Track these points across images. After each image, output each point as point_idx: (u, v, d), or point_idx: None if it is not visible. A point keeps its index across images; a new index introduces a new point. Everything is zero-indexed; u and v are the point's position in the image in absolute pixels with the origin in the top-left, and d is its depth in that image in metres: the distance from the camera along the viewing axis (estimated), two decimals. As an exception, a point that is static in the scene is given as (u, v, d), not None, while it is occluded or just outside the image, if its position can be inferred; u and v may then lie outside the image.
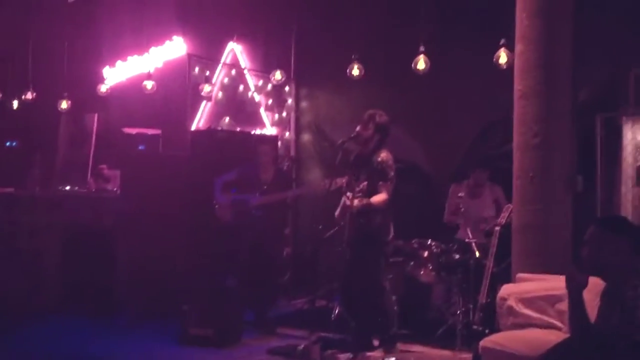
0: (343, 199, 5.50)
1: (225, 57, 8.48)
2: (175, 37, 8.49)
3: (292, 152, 8.72)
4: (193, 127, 7.96)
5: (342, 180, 5.69)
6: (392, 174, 5.39)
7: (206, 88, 7.84)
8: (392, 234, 5.53)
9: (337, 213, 5.60)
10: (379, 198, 5.31)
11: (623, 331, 3.19)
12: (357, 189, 5.27)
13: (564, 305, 4.10)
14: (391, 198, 5.37)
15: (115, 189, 7.68)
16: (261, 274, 6.43)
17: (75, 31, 8.81)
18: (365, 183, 5.31)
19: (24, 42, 8.95)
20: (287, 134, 8.73)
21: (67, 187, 8.19)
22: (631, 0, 6.10)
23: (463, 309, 5.87)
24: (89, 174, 8.52)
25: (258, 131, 8.40)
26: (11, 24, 9.21)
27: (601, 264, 3.35)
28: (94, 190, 7.97)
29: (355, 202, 5.23)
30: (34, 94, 8.78)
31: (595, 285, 3.54)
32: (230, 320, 6.01)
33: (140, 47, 8.38)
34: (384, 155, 5.40)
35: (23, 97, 8.84)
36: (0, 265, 7.25)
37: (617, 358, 3.10)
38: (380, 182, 5.33)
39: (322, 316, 6.54)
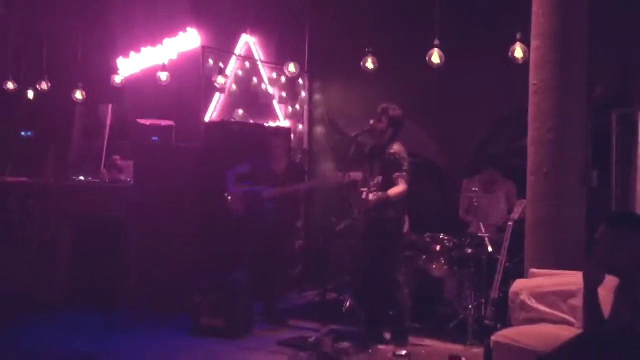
0: (360, 191, 5.50)
1: (239, 49, 8.48)
2: (189, 29, 8.49)
3: (305, 145, 8.72)
4: (206, 119, 7.97)
5: (355, 174, 5.69)
6: (406, 165, 5.39)
7: (219, 80, 7.84)
8: (407, 227, 5.53)
9: (356, 210, 5.61)
10: (397, 189, 5.30)
11: (636, 327, 3.18)
12: (372, 183, 5.26)
13: (576, 301, 4.09)
14: (407, 190, 5.36)
15: (128, 180, 7.71)
16: (272, 265, 6.44)
17: (90, 22, 8.84)
18: (380, 178, 5.30)
19: (38, 32, 9.00)
20: (300, 126, 8.73)
21: (81, 177, 8.22)
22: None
23: (475, 304, 5.87)
24: (103, 165, 8.56)
25: (271, 123, 8.40)
26: (26, 15, 9.26)
27: (614, 262, 3.34)
28: (107, 180, 8.01)
29: (371, 196, 5.22)
30: (49, 84, 8.82)
31: (609, 281, 3.53)
32: (241, 311, 6.03)
33: (154, 38, 8.39)
34: (396, 147, 5.41)
35: (38, 87, 8.89)
36: (12, 254, 7.32)
37: (630, 354, 3.09)
38: (396, 174, 5.32)
39: (333, 308, 6.57)
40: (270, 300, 6.52)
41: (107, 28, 9.15)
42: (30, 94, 9.22)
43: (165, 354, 5.37)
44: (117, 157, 8.14)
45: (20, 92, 9.21)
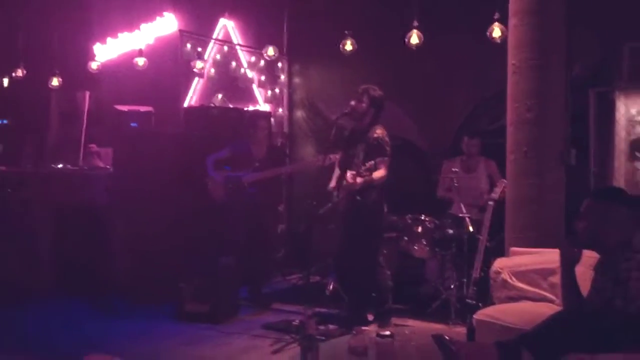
0: (337, 171, 5.50)
1: (217, 33, 8.42)
2: (166, 13, 8.39)
3: (285, 129, 8.70)
4: (185, 104, 7.92)
5: (335, 157, 5.69)
6: (388, 149, 5.40)
7: (198, 65, 7.79)
8: (385, 209, 5.55)
9: (332, 184, 5.59)
10: (379, 174, 5.31)
11: (616, 303, 3.23)
12: (364, 167, 5.24)
13: (556, 279, 4.13)
14: (388, 174, 5.38)
15: (107, 167, 7.64)
16: (256, 250, 6.44)
17: (66, 8, 8.70)
18: (372, 162, 5.28)
19: (13, 19, 8.85)
20: (280, 110, 8.71)
21: (60, 165, 8.13)
22: (625, -26, 6.08)
23: (457, 283, 5.93)
24: (81, 152, 8.47)
25: (251, 107, 8.36)
26: (1, 1, 9.09)
27: (598, 236, 3.37)
28: (86, 168, 7.93)
29: (358, 179, 5.21)
30: (25, 72, 8.70)
31: (587, 258, 3.57)
32: (226, 297, 6.03)
33: (131, 23, 8.29)
34: (379, 131, 5.40)
35: (13, 74, 8.76)
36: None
37: (610, 330, 3.13)
38: (379, 158, 5.32)
39: (316, 292, 6.59)
40: (255, 285, 6.53)
41: (84, 14, 9.01)
42: (5, 81, 9.09)
43: (150, 341, 5.35)
44: (93, 145, 8.05)
45: (-6, 80, 9.09)
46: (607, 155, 6.17)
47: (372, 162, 5.25)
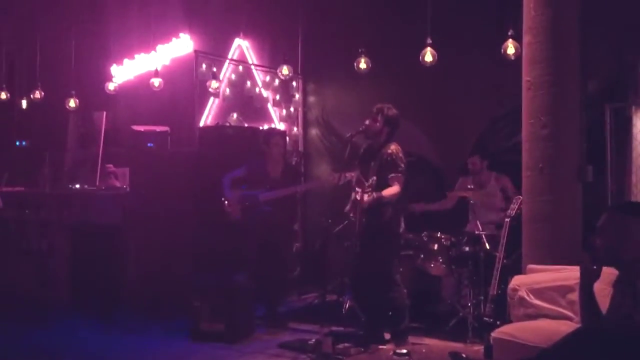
0: (353, 193, 5.50)
1: (232, 53, 8.49)
2: (182, 35, 8.51)
3: (300, 147, 8.72)
4: (201, 124, 7.97)
5: (351, 174, 5.69)
6: (402, 166, 5.39)
7: (213, 84, 7.85)
8: (402, 226, 5.52)
9: (347, 208, 5.59)
10: (391, 191, 5.29)
11: (636, 319, 3.18)
12: (367, 184, 5.25)
13: (575, 296, 4.09)
14: (403, 191, 5.36)
15: (124, 187, 7.70)
16: (271, 269, 6.43)
17: (83, 30, 8.83)
18: (375, 178, 5.29)
19: (31, 42, 8.99)
20: (295, 129, 8.74)
21: (77, 185, 8.21)
22: (639, -11, 6.07)
23: (474, 301, 5.88)
24: (98, 172, 8.54)
25: (266, 127, 8.40)
26: (18, 24, 9.25)
27: (617, 252, 3.33)
28: (103, 188, 8.00)
29: (365, 197, 5.21)
30: (42, 94, 8.82)
31: (606, 274, 3.53)
32: (241, 316, 6.02)
33: (148, 44, 8.40)
34: (393, 147, 5.40)
35: (32, 96, 8.89)
36: (10, 264, 7.30)
37: (630, 347, 3.09)
38: (392, 175, 5.31)
39: (332, 310, 6.55)
40: (270, 304, 6.52)
41: (101, 36, 9.15)
42: (24, 103, 9.22)
43: (165, 360, 5.36)
44: (110, 165, 8.12)
45: (13, 102, 9.21)
46: (624, 171, 6.13)
47: (374, 178, 5.25)
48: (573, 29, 5.03)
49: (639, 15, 6.05)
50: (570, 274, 4.27)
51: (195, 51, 8.07)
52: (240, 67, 8.45)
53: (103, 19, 9.20)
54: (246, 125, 8.20)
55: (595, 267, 3.43)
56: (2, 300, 6.75)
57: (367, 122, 5.49)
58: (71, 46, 8.60)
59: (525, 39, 5.14)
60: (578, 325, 3.74)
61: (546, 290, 4.49)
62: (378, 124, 5.46)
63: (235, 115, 8.23)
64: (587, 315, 3.48)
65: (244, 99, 8.42)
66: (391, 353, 5.33)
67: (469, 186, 6.33)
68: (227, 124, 7.98)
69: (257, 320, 6.28)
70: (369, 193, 5.23)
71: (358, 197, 5.24)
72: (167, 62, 8.36)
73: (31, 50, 8.92)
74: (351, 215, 5.51)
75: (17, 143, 9.69)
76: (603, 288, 3.54)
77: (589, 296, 3.44)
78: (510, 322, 4.59)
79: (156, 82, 7.79)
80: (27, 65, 9.04)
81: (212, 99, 8.12)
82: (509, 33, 5.86)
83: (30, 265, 7.13)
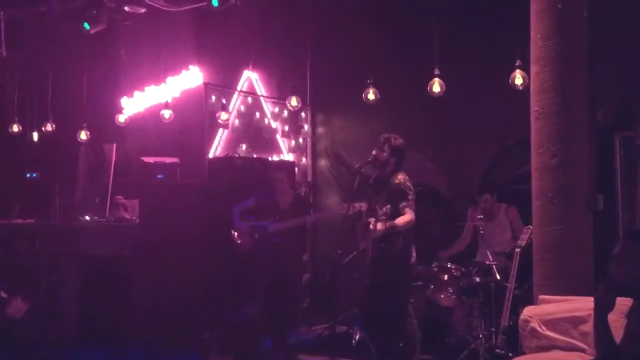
0: (363, 221, 5.48)
1: (242, 85, 8.56)
2: (191, 67, 8.59)
3: (309, 178, 8.74)
4: (210, 155, 8.01)
5: (360, 205, 5.69)
6: (411, 194, 5.37)
7: (223, 116, 7.89)
8: (414, 257, 5.48)
9: (363, 244, 5.56)
10: (405, 219, 5.27)
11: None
12: (381, 212, 5.23)
13: (587, 327, 4.04)
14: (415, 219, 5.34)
15: (134, 218, 7.71)
16: (280, 300, 6.40)
17: (94, 62, 8.94)
18: (389, 207, 5.27)
19: (43, 75, 9.10)
20: (303, 159, 8.76)
21: (87, 217, 8.24)
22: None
23: (485, 333, 5.81)
24: (108, 204, 8.57)
25: (275, 157, 8.43)
26: (30, 57, 9.37)
27: (635, 279, 3.29)
28: (113, 220, 8.02)
29: (379, 225, 5.19)
30: (54, 126, 8.91)
31: (619, 305, 3.49)
32: (250, 348, 5.98)
33: (158, 77, 8.49)
34: (401, 177, 5.40)
35: (43, 129, 8.97)
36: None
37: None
38: (403, 203, 5.30)
39: (342, 342, 6.50)
40: (281, 335, 6.47)
41: (112, 68, 9.25)
42: (35, 136, 9.30)
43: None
44: (120, 197, 8.16)
45: (25, 134, 9.29)
46: (635, 200, 6.09)
47: (388, 206, 5.23)
48: (581, 59, 5.04)
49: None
50: (583, 304, 4.23)
51: (205, 83, 8.15)
52: (250, 99, 8.52)
53: (114, 52, 9.30)
54: (255, 156, 8.24)
55: (610, 296, 3.39)
56: (9, 336, 6.71)
57: (374, 152, 5.49)
58: (82, 79, 8.70)
59: (533, 69, 5.15)
60: (591, 358, 3.69)
61: (558, 321, 4.44)
62: (385, 154, 5.46)
63: (244, 146, 8.27)
64: (602, 347, 3.43)
65: (253, 130, 8.47)
66: (402, 385, 5.26)
67: (478, 217, 6.31)
68: (237, 155, 8.02)
69: (266, 351, 6.23)
70: (384, 222, 5.20)
71: (371, 227, 5.22)
72: (177, 94, 8.43)
73: (43, 83, 9.02)
74: (363, 243, 5.48)
75: (28, 175, 9.75)
76: (616, 319, 3.50)
77: (603, 327, 3.40)
78: (523, 353, 4.54)
79: (166, 113, 7.86)
80: (39, 98, 9.13)
81: (221, 130, 8.17)
82: (517, 63, 5.88)
83: (40, 298, 7.11)
